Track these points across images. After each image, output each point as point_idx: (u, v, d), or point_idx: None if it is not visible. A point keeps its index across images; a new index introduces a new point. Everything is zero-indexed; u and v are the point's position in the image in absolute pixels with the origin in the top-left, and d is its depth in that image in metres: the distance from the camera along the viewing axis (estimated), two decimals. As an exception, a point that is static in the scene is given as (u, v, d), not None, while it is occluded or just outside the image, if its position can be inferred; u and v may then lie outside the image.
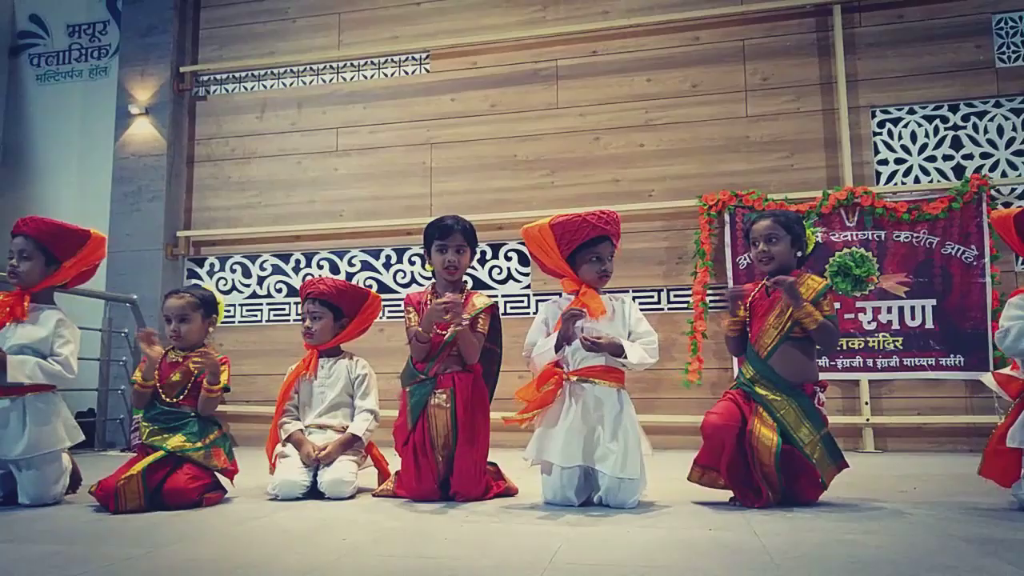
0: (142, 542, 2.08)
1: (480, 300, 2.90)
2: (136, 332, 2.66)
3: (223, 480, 2.81)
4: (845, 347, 4.68)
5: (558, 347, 2.63)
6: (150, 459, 2.61)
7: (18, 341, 2.70)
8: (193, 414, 2.78)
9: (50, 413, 2.76)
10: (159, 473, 2.61)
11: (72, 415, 2.90)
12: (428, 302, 2.85)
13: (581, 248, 2.70)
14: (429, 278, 3.04)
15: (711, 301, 4.91)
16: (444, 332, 2.80)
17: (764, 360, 2.62)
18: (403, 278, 5.50)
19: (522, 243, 5.29)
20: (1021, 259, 4.61)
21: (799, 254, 2.72)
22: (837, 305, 4.68)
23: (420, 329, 2.78)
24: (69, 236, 2.80)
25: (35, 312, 2.77)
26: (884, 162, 4.90)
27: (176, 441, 2.68)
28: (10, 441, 2.67)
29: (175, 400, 2.78)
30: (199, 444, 2.70)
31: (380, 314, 3.31)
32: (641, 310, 2.82)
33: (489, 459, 2.85)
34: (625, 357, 2.55)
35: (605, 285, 2.75)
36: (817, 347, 2.68)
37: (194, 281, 5.81)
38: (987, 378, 2.66)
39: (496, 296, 5.26)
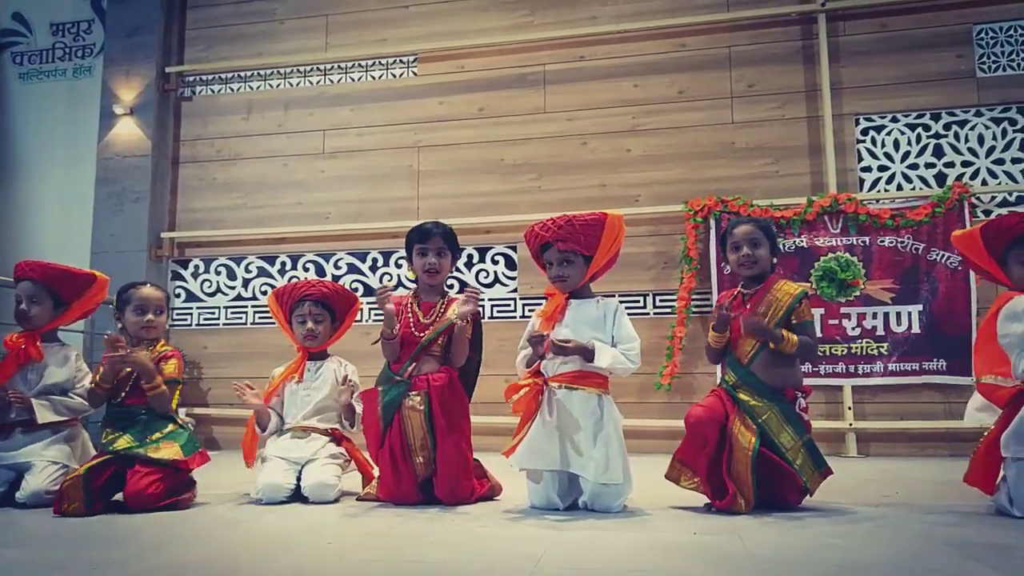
0: (125, 546, 2.06)
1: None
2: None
3: (196, 476, 2.79)
4: (828, 353, 4.71)
5: (531, 363, 2.68)
6: (93, 461, 2.64)
7: (46, 383, 2.88)
8: (143, 412, 2.74)
9: (73, 439, 2.91)
10: (107, 473, 2.61)
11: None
12: (410, 306, 2.88)
13: (541, 255, 2.78)
14: (415, 281, 3.04)
15: (695, 305, 4.93)
16: (422, 334, 2.81)
17: (746, 367, 2.66)
18: (390, 281, 5.48)
19: (509, 247, 5.32)
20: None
21: (775, 260, 2.80)
22: (822, 310, 4.72)
23: (387, 328, 2.79)
24: (75, 279, 2.97)
25: (52, 352, 2.94)
26: (868, 169, 4.95)
27: (123, 442, 2.67)
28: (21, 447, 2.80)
29: (121, 398, 2.76)
30: (146, 440, 2.68)
31: (366, 317, 3.30)
32: (628, 315, 2.81)
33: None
34: (594, 361, 2.56)
35: (568, 289, 2.72)
36: None
37: (178, 283, 5.77)
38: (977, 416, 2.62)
39: (483, 300, 5.26)
